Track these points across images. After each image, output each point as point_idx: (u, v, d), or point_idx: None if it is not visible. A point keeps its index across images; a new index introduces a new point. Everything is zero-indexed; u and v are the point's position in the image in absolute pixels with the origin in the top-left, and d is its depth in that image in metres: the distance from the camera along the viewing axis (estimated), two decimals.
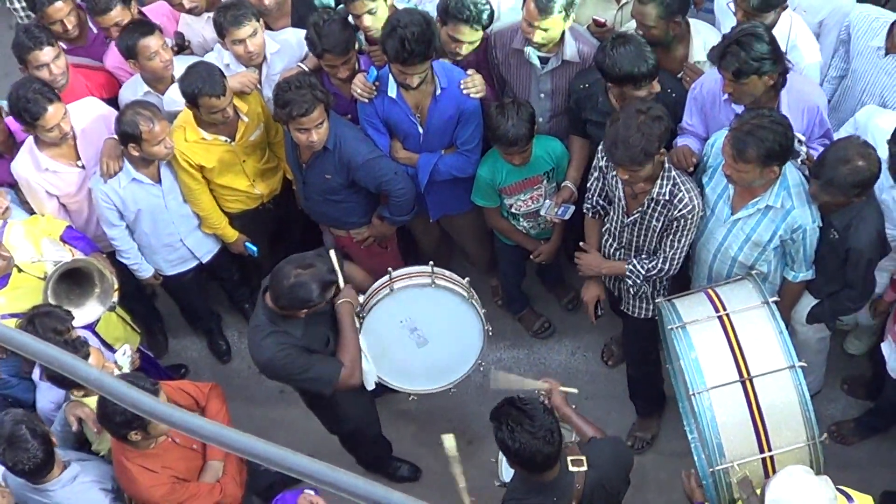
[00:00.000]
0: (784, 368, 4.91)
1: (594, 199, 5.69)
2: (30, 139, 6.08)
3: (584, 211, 5.81)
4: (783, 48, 5.35)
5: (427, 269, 5.61)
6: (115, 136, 5.93)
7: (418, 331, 5.69)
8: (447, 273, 5.68)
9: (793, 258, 5.35)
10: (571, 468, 4.46)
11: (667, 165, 5.23)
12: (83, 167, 6.16)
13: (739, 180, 5.03)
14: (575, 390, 5.23)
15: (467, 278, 5.73)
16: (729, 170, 5.00)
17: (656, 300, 5.47)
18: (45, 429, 5.02)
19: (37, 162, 6.08)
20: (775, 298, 5.15)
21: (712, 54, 5.15)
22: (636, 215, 5.40)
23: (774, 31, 5.45)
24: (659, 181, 5.22)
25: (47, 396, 5.52)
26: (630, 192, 5.36)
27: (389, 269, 5.66)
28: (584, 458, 4.50)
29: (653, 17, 5.55)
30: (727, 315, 5.11)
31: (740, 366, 4.95)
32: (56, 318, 5.36)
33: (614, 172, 5.34)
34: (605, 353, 7.03)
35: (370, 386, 5.66)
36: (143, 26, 6.11)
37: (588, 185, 5.72)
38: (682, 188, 5.25)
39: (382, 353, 5.65)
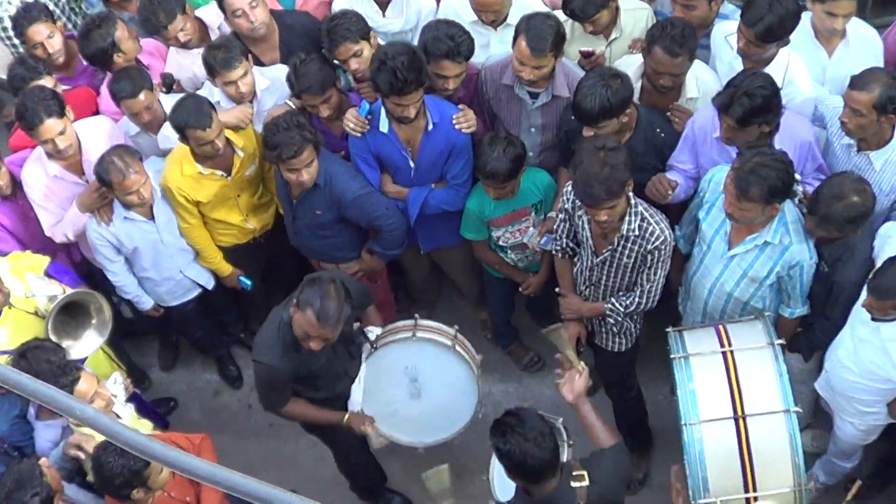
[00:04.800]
0: (779, 411, 4.93)
1: (563, 240, 5.70)
2: (39, 149, 6.14)
3: (553, 253, 5.84)
4: (780, 83, 5.39)
5: (451, 331, 5.65)
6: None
7: (417, 383, 5.71)
8: (467, 343, 5.71)
9: (788, 294, 5.37)
10: (573, 483, 4.44)
11: (633, 201, 5.24)
12: (87, 182, 6.19)
13: (741, 218, 5.05)
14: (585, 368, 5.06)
15: (481, 356, 5.75)
16: (731, 208, 5.02)
17: (666, 329, 5.45)
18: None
19: (46, 168, 6.15)
20: (781, 341, 5.15)
21: (718, 100, 5.17)
22: (606, 254, 5.42)
23: (772, 65, 5.53)
24: (627, 217, 5.23)
25: (45, 436, 5.49)
26: (598, 232, 5.37)
27: (416, 315, 5.72)
28: (585, 472, 4.49)
29: (683, 66, 5.56)
30: (731, 352, 5.14)
31: (736, 403, 4.97)
32: (48, 350, 5.37)
33: (580, 213, 5.38)
34: None
35: (353, 405, 5.65)
36: (133, 82, 6.09)
37: (555, 226, 5.75)
38: (651, 221, 5.27)
39: (375, 387, 5.64)
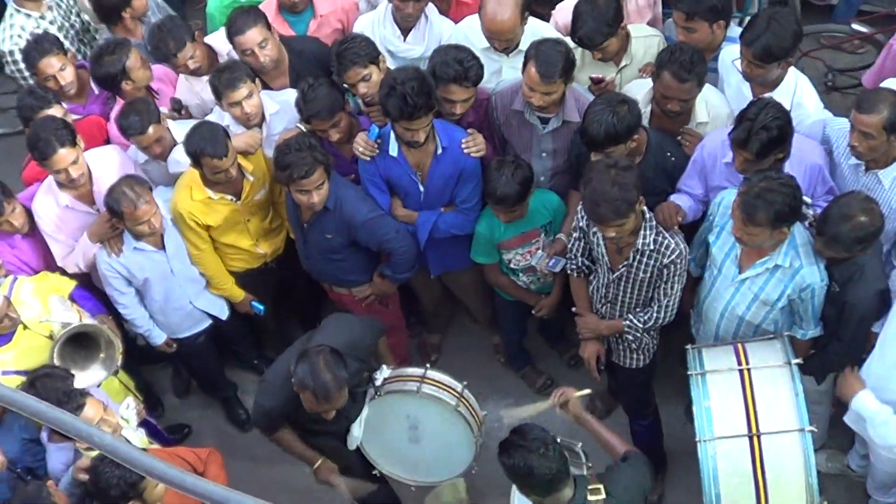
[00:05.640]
0: (794, 430, 4.92)
1: (578, 259, 5.73)
2: (50, 178, 6.17)
3: (569, 271, 5.85)
4: (788, 105, 5.41)
5: (458, 387, 5.62)
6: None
7: (417, 431, 5.70)
8: (472, 400, 5.68)
9: (801, 316, 5.35)
10: (590, 497, 4.48)
11: (648, 215, 5.26)
12: (98, 211, 6.21)
13: (750, 242, 5.05)
14: (588, 391, 5.23)
15: (485, 413, 5.73)
16: (739, 232, 5.03)
17: (685, 346, 5.44)
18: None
19: (57, 199, 6.18)
20: (798, 360, 5.13)
21: (733, 135, 5.17)
22: (622, 270, 5.43)
23: (780, 88, 5.56)
24: (642, 232, 5.25)
25: (58, 458, 5.48)
26: (614, 248, 5.39)
27: (427, 365, 5.71)
28: (601, 486, 4.51)
29: (691, 92, 5.58)
30: (748, 370, 5.12)
31: (751, 421, 4.97)
32: (57, 378, 5.37)
33: (595, 230, 5.39)
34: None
35: (351, 447, 5.66)
36: (140, 117, 6.11)
37: (569, 246, 5.76)
38: (666, 235, 5.30)
39: (376, 427, 5.65)
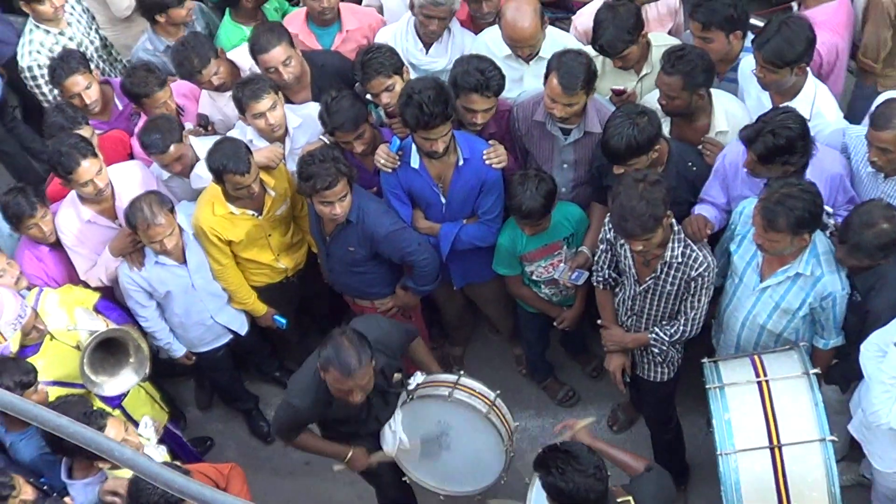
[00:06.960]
0: (815, 441, 4.91)
1: (604, 271, 5.72)
2: (72, 193, 6.20)
3: (595, 284, 5.84)
4: (808, 115, 5.40)
5: (491, 395, 5.57)
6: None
7: (448, 437, 5.66)
8: (504, 410, 5.64)
9: (822, 325, 5.34)
10: None
11: (676, 228, 5.26)
12: (120, 226, 6.23)
13: (771, 249, 5.05)
14: (592, 418, 5.25)
15: (517, 424, 5.70)
16: (760, 239, 5.02)
17: (701, 360, 5.44)
18: None
19: (79, 213, 6.20)
20: (816, 370, 5.13)
21: (744, 132, 5.19)
22: (649, 282, 5.43)
23: (799, 97, 5.55)
24: (670, 244, 5.25)
25: (83, 494, 5.44)
26: (641, 261, 5.38)
27: (461, 371, 5.69)
28: (630, 498, 4.50)
29: (677, 88, 5.56)
30: (766, 381, 5.12)
31: (771, 433, 4.96)
32: (72, 404, 5.34)
33: (622, 242, 5.39)
34: (611, 419, 6.99)
35: (387, 446, 5.60)
36: (163, 136, 6.14)
37: (596, 258, 5.76)
38: (695, 247, 5.29)
39: (407, 433, 5.59)
